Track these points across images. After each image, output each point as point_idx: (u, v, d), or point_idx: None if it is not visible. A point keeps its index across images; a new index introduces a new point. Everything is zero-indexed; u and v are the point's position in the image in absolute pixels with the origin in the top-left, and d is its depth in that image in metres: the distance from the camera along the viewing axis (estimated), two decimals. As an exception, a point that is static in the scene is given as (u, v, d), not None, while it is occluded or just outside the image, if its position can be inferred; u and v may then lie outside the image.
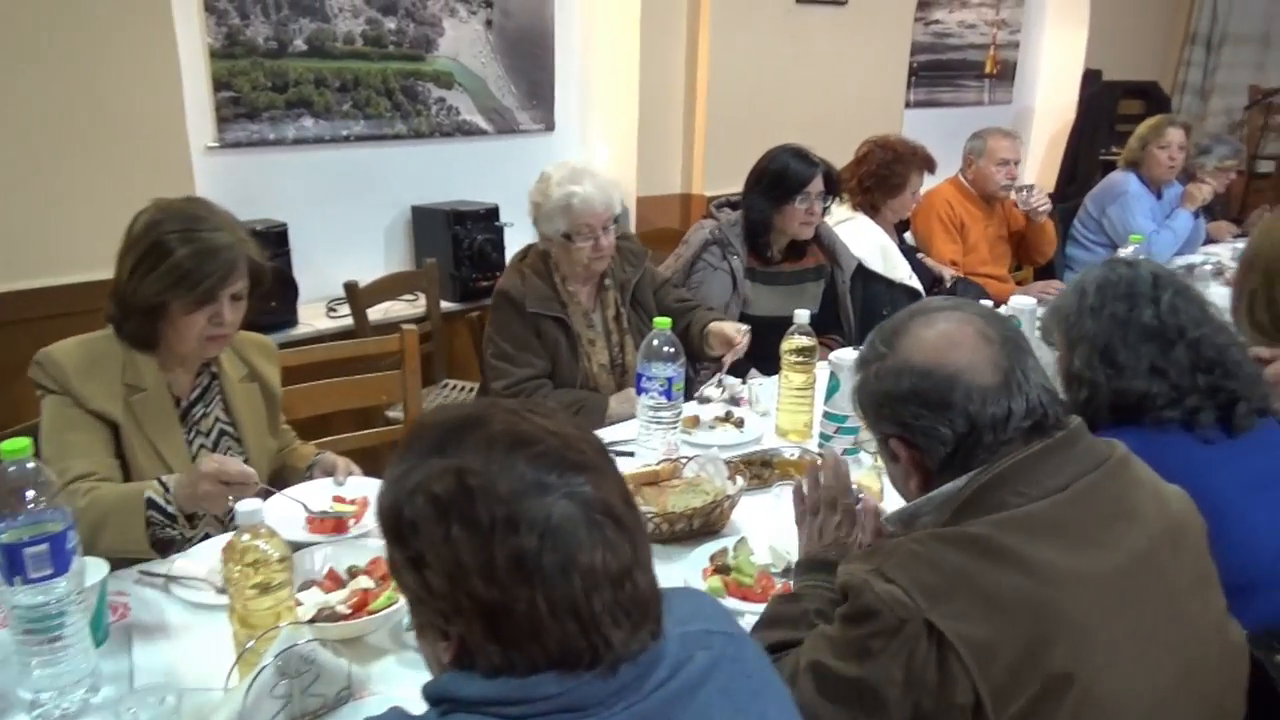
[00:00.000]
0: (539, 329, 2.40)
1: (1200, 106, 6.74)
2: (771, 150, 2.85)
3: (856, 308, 3.06)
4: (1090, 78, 5.86)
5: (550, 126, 3.85)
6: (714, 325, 2.42)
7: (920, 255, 3.52)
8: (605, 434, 2.18)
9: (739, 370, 2.68)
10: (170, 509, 1.53)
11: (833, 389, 2.03)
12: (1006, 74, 6.00)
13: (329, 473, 1.86)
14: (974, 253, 3.54)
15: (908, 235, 3.65)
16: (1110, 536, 1.05)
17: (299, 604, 1.36)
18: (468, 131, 3.61)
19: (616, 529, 0.78)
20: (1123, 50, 6.12)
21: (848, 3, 4.34)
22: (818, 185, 2.77)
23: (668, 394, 1.90)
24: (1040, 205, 3.67)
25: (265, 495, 1.52)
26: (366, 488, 1.79)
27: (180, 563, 1.55)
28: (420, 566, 0.78)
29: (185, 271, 1.62)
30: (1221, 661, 1.15)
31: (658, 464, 1.84)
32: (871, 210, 3.28)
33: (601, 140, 4.01)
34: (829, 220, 3.24)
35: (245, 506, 1.25)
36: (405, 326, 2.47)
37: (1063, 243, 4.37)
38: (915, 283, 3.19)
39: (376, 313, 3.24)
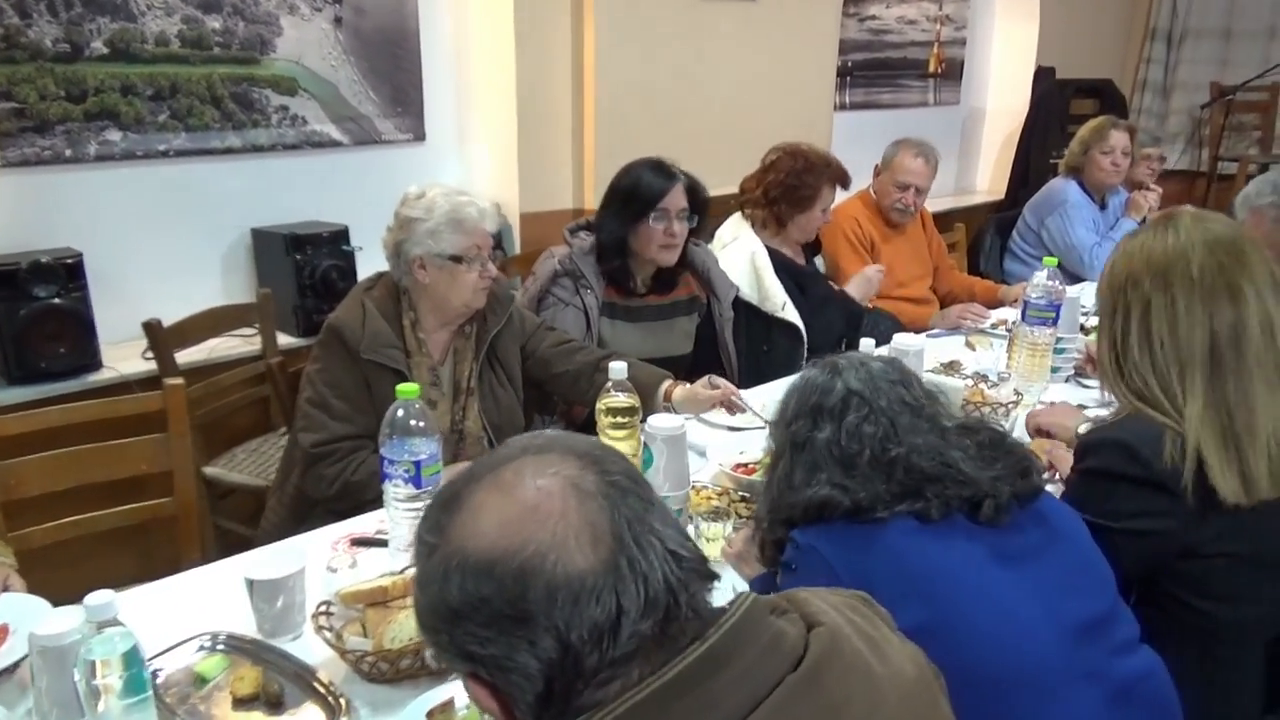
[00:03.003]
0: (370, 380, 1.98)
1: (1162, 105, 6.39)
2: (629, 164, 2.45)
3: (741, 345, 2.66)
4: (1042, 75, 5.49)
5: (420, 136, 3.44)
6: (679, 393, 2.12)
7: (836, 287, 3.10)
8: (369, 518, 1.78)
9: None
10: None
11: (647, 462, 1.65)
12: (953, 73, 5.62)
13: (-12, 587, 1.48)
14: (888, 275, 3.14)
15: (818, 260, 3.24)
16: None
17: None
18: (317, 143, 3.19)
19: None
20: (1076, 46, 5.76)
21: (759, -4, 3.95)
22: (678, 201, 2.38)
23: (416, 480, 1.49)
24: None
25: None
26: (15, 610, 1.41)
27: None
28: None
29: None
30: None
31: (400, 571, 1.44)
32: (778, 225, 2.87)
33: (483, 150, 3.60)
34: (714, 244, 2.85)
35: None
36: (169, 381, 2.06)
37: (1001, 257, 4.02)
38: (792, 315, 2.76)
39: (200, 353, 2.84)
